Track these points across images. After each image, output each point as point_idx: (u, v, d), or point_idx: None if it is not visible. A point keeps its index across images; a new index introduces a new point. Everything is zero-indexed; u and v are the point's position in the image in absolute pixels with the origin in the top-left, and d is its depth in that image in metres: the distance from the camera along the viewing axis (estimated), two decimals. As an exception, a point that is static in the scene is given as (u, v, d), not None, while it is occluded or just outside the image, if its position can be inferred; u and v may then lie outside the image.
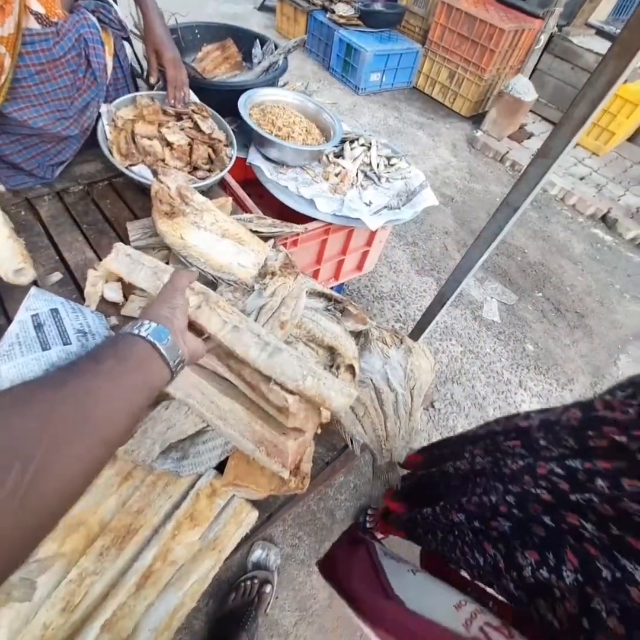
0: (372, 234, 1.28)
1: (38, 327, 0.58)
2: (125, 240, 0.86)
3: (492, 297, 2.09)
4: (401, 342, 0.79)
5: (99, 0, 0.76)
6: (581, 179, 2.87)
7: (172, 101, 0.90)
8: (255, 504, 0.55)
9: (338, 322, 0.73)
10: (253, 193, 1.13)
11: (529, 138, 3.14)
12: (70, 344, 0.57)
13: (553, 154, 0.72)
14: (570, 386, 1.81)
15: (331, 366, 0.65)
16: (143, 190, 0.94)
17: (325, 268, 1.29)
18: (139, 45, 0.97)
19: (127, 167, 0.86)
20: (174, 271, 0.53)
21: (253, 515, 0.53)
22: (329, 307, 0.79)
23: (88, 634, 0.41)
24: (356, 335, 0.77)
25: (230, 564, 1.16)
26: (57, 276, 0.79)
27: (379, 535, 1.22)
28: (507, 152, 2.96)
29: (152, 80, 0.89)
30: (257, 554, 1.16)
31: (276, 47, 1.34)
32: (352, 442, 0.65)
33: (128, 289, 0.78)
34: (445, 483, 0.81)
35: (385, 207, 1.14)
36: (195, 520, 0.49)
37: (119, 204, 0.95)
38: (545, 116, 3.38)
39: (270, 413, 0.48)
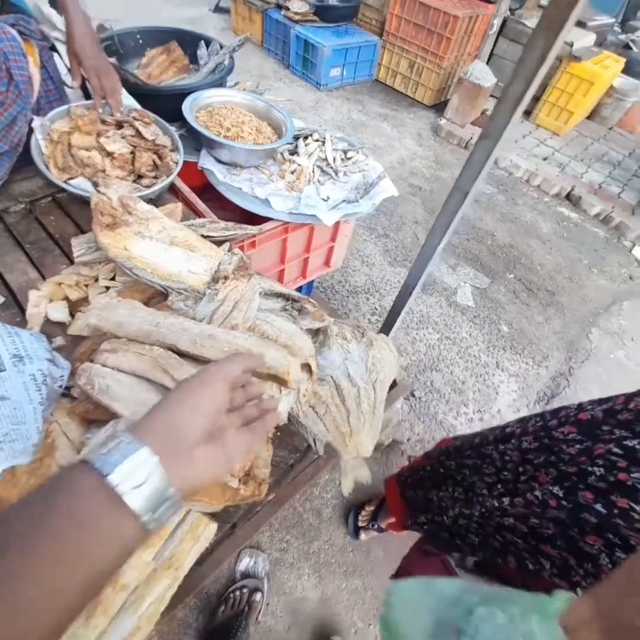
0: (336, 229, 1.27)
1: (-31, 355, 0.55)
2: (70, 256, 0.83)
3: (465, 282, 2.11)
4: (363, 336, 0.78)
5: (19, 14, 0.73)
6: (544, 159, 2.93)
7: (100, 110, 0.88)
8: (214, 516, 0.53)
9: (294, 321, 0.71)
10: (214, 197, 1.11)
11: (491, 122, 3.18)
12: (5, 370, 0.54)
13: (494, 134, 0.71)
14: (546, 363, 1.85)
15: (286, 367, 0.64)
16: (89, 203, 0.90)
17: (291, 267, 1.28)
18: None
19: (65, 181, 0.83)
20: (232, 355, 0.38)
21: (211, 528, 0.51)
22: (287, 307, 0.78)
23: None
24: (315, 332, 0.76)
25: (218, 576, 1.14)
26: (-2, 299, 0.75)
27: (385, 526, 1.19)
28: (471, 138, 2.99)
29: (74, 84, 0.86)
30: (245, 562, 1.15)
31: (221, 47, 1.31)
32: (315, 442, 0.64)
33: (75, 306, 0.75)
34: (471, 477, 0.78)
35: (344, 201, 1.13)
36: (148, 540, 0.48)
37: (63, 220, 0.92)
38: (506, 100, 3.43)
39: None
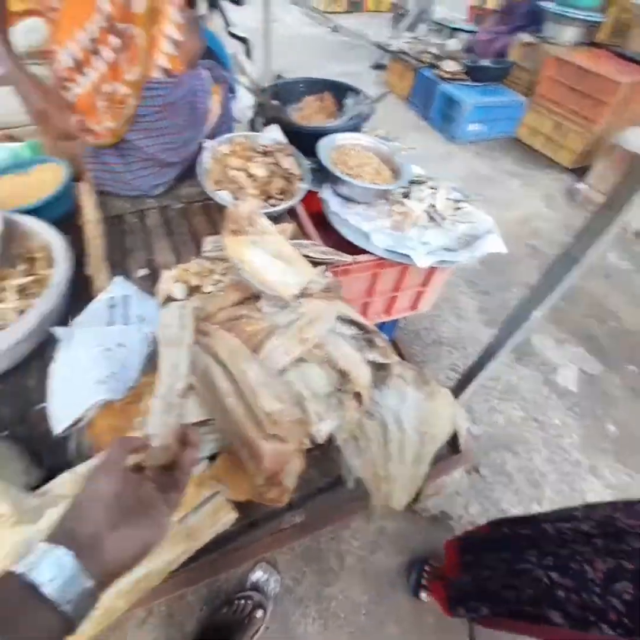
0: (430, 274, 1.27)
1: (111, 307, 0.71)
2: (200, 249, 1.01)
3: (571, 363, 1.84)
4: (425, 385, 0.76)
5: (214, 60, 0.96)
6: None
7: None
8: (239, 507, 0.57)
9: (359, 350, 0.73)
10: (329, 228, 1.21)
11: (646, 196, 2.79)
12: (128, 325, 0.68)
13: (617, 205, 0.65)
14: (663, 487, 1.47)
15: (339, 390, 0.66)
16: (225, 211, 1.09)
17: (377, 302, 1.30)
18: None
19: (214, 191, 1.01)
20: (113, 441, 0.39)
21: (230, 517, 0.55)
22: (357, 336, 0.80)
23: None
24: (379, 367, 0.76)
25: (232, 576, 1.17)
26: (143, 271, 0.95)
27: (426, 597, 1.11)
28: (615, 209, 2.66)
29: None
30: (258, 574, 1.15)
31: (366, 97, 1.46)
32: (348, 474, 0.63)
33: (192, 291, 0.90)
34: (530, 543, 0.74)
35: (443, 248, 1.12)
36: (180, 502, 0.53)
37: (207, 222, 1.11)
38: (671, 174, 2.99)
39: (258, 416, 0.51)
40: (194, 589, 1.11)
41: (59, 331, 0.77)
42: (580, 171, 3.11)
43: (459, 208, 1.21)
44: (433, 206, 1.21)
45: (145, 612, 1.08)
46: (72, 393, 0.62)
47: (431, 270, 1.26)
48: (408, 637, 1.10)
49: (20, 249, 0.89)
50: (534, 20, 3.79)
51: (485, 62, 3.59)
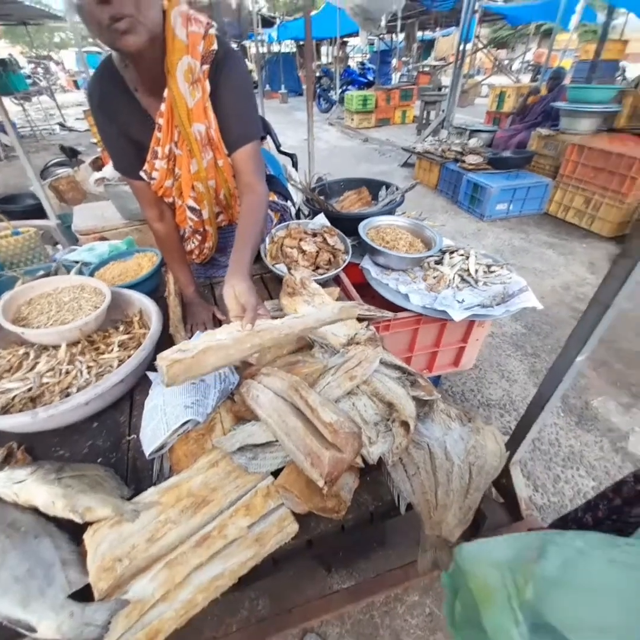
0: (468, 331, 1.35)
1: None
2: (260, 312, 1.20)
3: (642, 428, 1.69)
4: (469, 421, 0.80)
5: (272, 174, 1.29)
6: None
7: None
8: (298, 520, 0.63)
9: (403, 387, 0.81)
10: (366, 294, 1.40)
11: (696, 257, 2.74)
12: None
13: (636, 254, 0.73)
14: None
15: (387, 419, 0.73)
16: (280, 281, 1.31)
17: (418, 358, 1.38)
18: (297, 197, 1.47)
19: (272, 265, 1.24)
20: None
21: (293, 527, 0.60)
22: (402, 377, 0.89)
23: (156, 566, 0.55)
24: (423, 403, 0.83)
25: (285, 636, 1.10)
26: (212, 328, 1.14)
27: None
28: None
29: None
30: (307, 647, 1.07)
31: (397, 189, 1.74)
32: (399, 499, 0.67)
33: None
34: None
35: (478, 305, 1.22)
36: (249, 511, 0.61)
37: (263, 289, 1.33)
38: None
39: (319, 429, 0.60)
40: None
41: (152, 375, 0.95)
42: (622, 239, 3.16)
43: (492, 271, 1.34)
44: (466, 270, 1.35)
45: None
46: (163, 419, 0.76)
47: (469, 327, 1.34)
48: None
49: (121, 315, 1.14)
50: (549, 117, 4.28)
51: (507, 154, 4.01)
